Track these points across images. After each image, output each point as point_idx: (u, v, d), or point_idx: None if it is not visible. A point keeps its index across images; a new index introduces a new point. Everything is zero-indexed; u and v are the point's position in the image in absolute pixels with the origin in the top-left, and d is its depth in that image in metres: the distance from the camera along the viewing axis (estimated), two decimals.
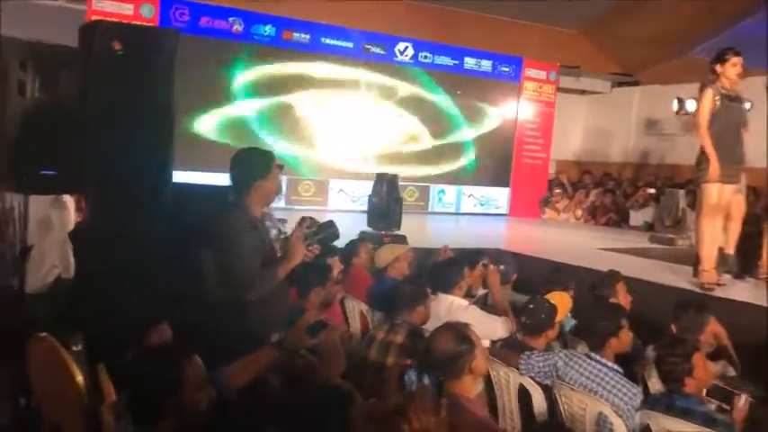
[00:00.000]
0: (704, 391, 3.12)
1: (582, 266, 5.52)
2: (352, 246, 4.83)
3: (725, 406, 3.11)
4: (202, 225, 3.11)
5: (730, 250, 5.43)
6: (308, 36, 9.81)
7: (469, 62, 11.06)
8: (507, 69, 11.38)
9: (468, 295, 4.45)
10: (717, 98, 4.97)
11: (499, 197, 11.57)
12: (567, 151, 14.71)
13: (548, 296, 3.75)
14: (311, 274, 3.60)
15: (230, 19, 9.29)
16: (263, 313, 2.82)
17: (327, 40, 9.98)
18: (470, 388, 2.56)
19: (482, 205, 11.45)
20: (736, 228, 5.41)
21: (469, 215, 11.18)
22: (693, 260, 5.57)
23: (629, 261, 6.39)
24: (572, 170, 14.32)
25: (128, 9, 8.65)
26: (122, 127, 3.52)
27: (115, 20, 7.34)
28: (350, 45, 10.13)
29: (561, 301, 3.70)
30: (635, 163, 13.66)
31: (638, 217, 10.15)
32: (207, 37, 9.02)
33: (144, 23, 8.28)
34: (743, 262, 5.83)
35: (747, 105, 4.97)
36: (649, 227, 9.40)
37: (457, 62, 10.96)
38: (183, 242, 3.29)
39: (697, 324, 3.54)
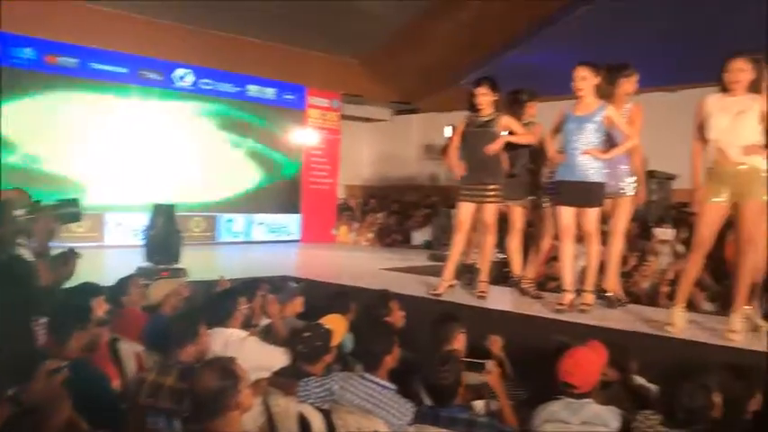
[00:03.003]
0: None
1: (365, 287, 5.65)
2: (121, 284, 4.52)
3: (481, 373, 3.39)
4: None
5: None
6: (75, 60, 9.17)
7: (253, 89, 11.02)
8: (291, 97, 11.52)
9: (250, 326, 4.37)
10: (465, 124, 5.50)
11: (290, 224, 11.59)
12: (355, 176, 15.19)
13: (324, 320, 3.79)
14: (68, 318, 3.30)
15: None
16: None
17: (98, 65, 9.40)
18: (237, 423, 2.48)
19: (273, 232, 11.40)
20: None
21: (261, 243, 11.07)
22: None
23: (408, 279, 6.69)
24: (360, 194, 14.81)
25: None
26: None
27: None
28: (124, 70, 9.63)
29: (337, 324, 3.75)
30: (418, 186, 14.45)
31: (418, 237, 10.70)
32: None
33: None
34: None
35: (496, 130, 5.44)
36: (429, 245, 9.96)
37: (240, 89, 10.88)
38: None
39: (444, 334, 3.77)
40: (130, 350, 4.13)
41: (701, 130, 4.33)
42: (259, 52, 11.94)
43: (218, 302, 4.01)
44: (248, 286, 4.56)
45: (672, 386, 2.76)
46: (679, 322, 4.30)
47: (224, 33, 11.13)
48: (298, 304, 4.86)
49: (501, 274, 6.50)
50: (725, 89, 4.23)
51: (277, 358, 3.90)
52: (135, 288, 4.52)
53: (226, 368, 2.48)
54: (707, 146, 4.30)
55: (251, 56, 11.70)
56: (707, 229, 4.28)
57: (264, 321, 4.62)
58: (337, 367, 3.91)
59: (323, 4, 11.60)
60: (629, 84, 5.14)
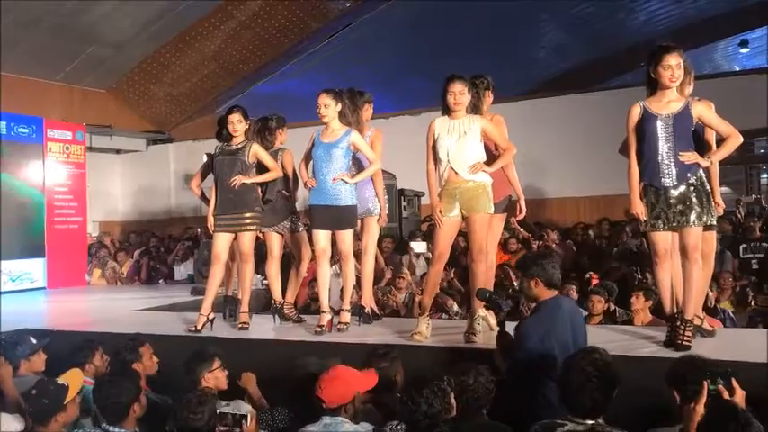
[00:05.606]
0: None
1: (115, 333, 5.26)
2: None
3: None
4: None
5: None
6: None
7: None
8: (26, 131, 10.42)
9: None
10: (215, 153, 5.57)
11: (33, 269, 10.44)
12: (110, 212, 14.25)
13: (63, 376, 3.47)
14: None
15: None
16: None
17: None
18: None
19: (13, 281, 10.18)
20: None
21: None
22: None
23: (165, 317, 6.38)
24: (117, 231, 13.90)
25: None
26: None
27: None
28: None
29: (73, 378, 3.45)
30: (179, 218, 13.91)
31: (181, 271, 10.28)
32: None
33: None
34: None
35: (245, 158, 5.43)
36: (192, 279, 9.61)
37: None
38: None
39: (194, 373, 3.69)
40: None
41: (433, 150, 4.67)
42: None
43: None
44: None
45: (411, 394, 2.91)
46: (424, 330, 4.58)
47: None
48: (37, 361, 4.41)
49: (269, 302, 6.46)
50: (449, 111, 4.61)
51: (9, 424, 3.51)
52: None
53: None
54: (439, 165, 4.65)
55: None
56: (444, 243, 4.62)
57: None
58: (86, 423, 3.62)
59: (62, 32, 10.83)
60: (367, 110, 5.43)
